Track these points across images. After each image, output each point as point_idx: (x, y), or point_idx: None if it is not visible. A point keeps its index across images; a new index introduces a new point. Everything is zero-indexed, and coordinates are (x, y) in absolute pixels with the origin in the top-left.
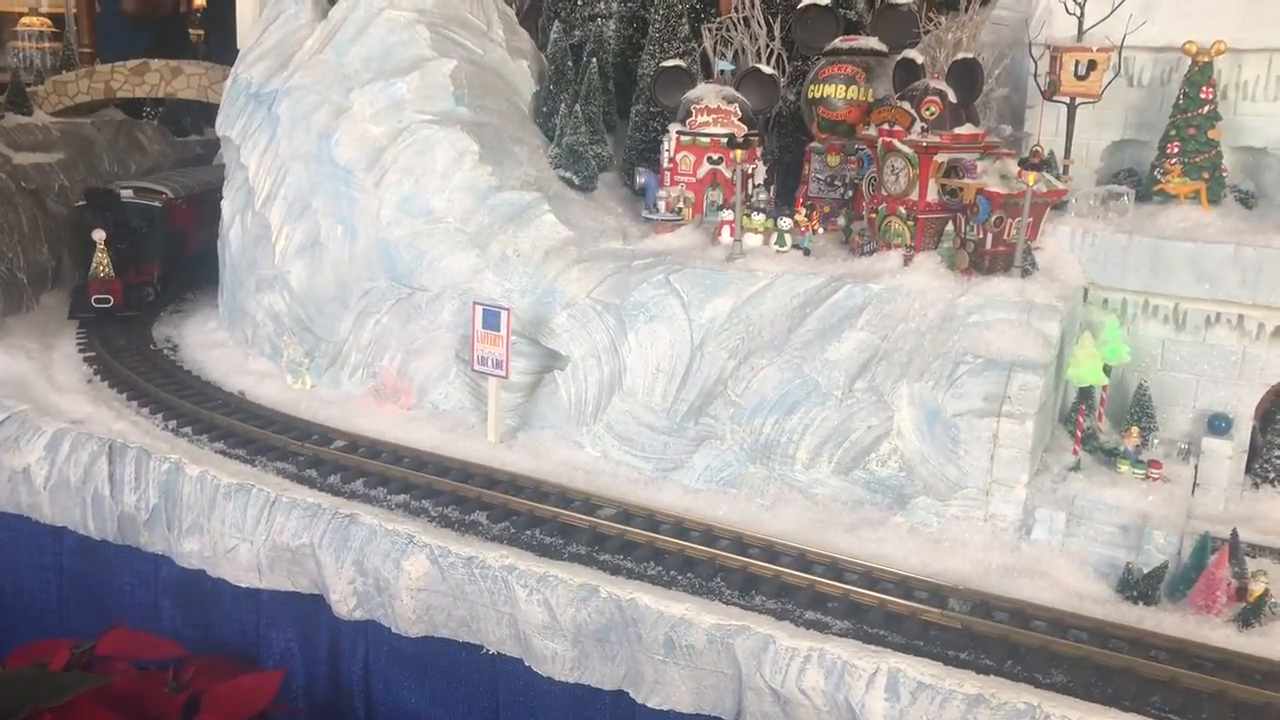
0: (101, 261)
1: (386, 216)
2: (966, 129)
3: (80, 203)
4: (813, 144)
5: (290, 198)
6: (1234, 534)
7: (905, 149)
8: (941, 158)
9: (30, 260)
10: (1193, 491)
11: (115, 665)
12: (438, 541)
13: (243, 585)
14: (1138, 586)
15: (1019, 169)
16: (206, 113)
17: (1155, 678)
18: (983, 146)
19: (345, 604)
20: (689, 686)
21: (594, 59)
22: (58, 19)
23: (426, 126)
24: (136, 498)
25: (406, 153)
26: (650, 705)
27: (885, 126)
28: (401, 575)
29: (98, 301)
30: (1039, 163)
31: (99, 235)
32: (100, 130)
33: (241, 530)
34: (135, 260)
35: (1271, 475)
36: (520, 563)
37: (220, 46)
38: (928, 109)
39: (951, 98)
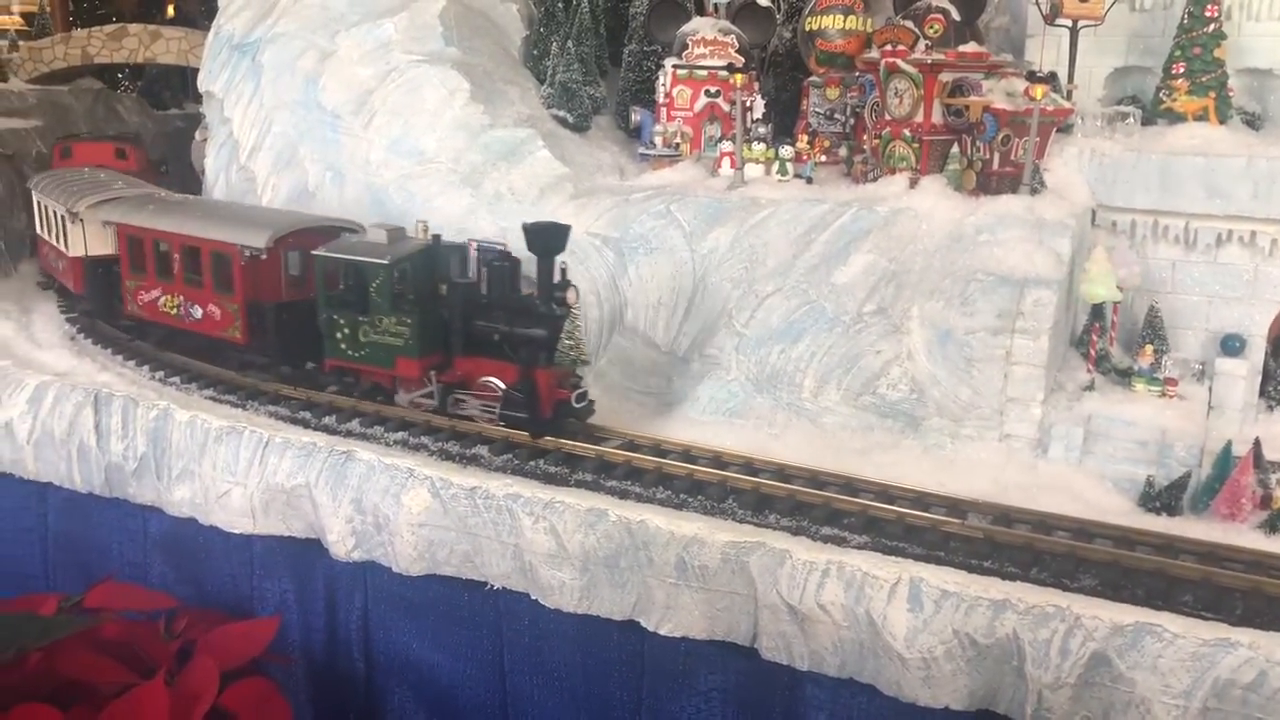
0: (578, 340)
1: (376, 159)
2: (971, 47)
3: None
4: (810, 78)
5: (277, 147)
6: (1257, 442)
7: (909, 68)
8: (946, 77)
9: (7, 227)
10: (1208, 415)
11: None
12: (439, 474)
13: (235, 532)
14: (1160, 498)
15: (1026, 84)
16: (187, 87)
17: (1186, 578)
18: (988, 65)
19: (343, 544)
20: (702, 610)
21: (584, 0)
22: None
23: (415, 66)
24: (124, 446)
25: (396, 93)
26: (662, 633)
27: (888, 47)
28: (402, 510)
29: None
30: (1046, 77)
31: (573, 295)
32: (77, 98)
33: (234, 473)
34: None
35: None
36: (525, 490)
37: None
38: (931, 27)
39: (955, 15)
